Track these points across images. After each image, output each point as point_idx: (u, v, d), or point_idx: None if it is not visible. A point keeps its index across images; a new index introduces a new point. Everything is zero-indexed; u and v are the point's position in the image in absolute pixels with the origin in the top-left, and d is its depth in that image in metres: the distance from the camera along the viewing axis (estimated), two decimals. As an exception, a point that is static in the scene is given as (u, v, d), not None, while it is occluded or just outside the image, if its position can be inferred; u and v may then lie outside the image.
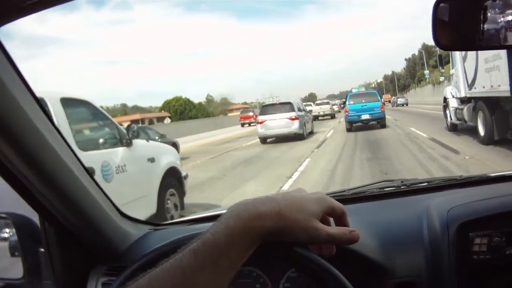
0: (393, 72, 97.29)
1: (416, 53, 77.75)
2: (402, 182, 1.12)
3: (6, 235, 0.95)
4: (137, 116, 53.14)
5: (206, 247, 0.49)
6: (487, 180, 1.06)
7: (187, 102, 62.63)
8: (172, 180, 4.63)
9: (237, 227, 0.50)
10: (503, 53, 6.37)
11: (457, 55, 9.36)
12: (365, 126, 16.54)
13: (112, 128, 3.92)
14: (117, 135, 3.87)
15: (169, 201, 4.53)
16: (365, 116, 15.96)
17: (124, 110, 72.10)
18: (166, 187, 4.44)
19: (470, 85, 8.44)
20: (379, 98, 16.72)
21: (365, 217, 0.88)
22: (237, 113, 54.75)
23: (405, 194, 1.05)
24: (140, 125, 17.56)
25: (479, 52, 7.29)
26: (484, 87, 7.56)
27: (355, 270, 0.71)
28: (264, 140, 15.44)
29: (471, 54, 8.14)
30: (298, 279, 0.80)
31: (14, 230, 0.91)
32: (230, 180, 7.59)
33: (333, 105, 33.38)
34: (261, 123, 15.11)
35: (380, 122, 16.24)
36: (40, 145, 0.71)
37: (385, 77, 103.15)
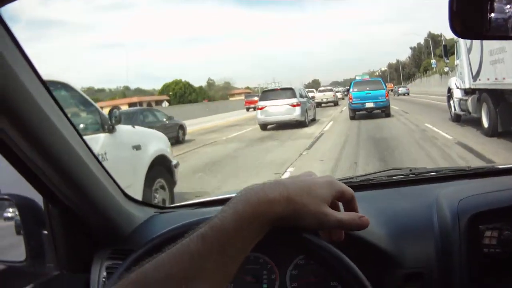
0: (397, 61, 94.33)
1: (422, 42, 76.86)
2: (410, 170, 1.12)
3: (9, 215, 0.95)
4: (135, 99, 50.80)
5: (214, 232, 0.48)
6: (495, 172, 1.06)
7: (187, 85, 61.42)
8: (161, 169, 4.35)
9: (245, 212, 0.50)
10: (508, 46, 6.57)
11: (462, 46, 9.47)
12: (369, 114, 15.93)
13: (93, 113, 3.71)
14: (99, 120, 3.65)
15: (157, 192, 4.25)
16: (369, 104, 15.59)
17: (123, 92, 70.38)
18: (153, 177, 4.17)
19: (475, 77, 8.64)
20: (384, 86, 16.41)
21: (374, 205, 0.87)
22: (239, 97, 54.70)
23: (413, 183, 1.04)
24: (144, 107, 17.43)
25: (484, 44, 7.74)
26: (488, 79, 7.77)
27: (364, 259, 0.69)
28: (264, 126, 14.94)
29: (476, 46, 8.36)
30: (306, 266, 0.80)
31: (17, 211, 0.91)
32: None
33: (337, 92, 32.92)
34: (261, 109, 14.68)
35: (384, 111, 15.84)
36: (46, 128, 0.71)
37: (390, 66, 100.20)
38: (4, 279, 1.02)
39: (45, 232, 0.90)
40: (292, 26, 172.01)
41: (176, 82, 61.55)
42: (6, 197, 0.94)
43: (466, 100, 9.45)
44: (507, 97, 7.32)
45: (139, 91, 75.99)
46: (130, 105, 45.95)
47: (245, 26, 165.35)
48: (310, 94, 24.92)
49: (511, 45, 6.42)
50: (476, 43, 8.20)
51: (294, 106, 14.16)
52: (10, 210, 0.95)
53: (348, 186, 0.58)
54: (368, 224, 0.57)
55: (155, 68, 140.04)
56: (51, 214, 0.87)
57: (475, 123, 8.91)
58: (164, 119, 12.64)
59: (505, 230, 0.74)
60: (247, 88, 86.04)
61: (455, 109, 10.59)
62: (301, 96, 15.36)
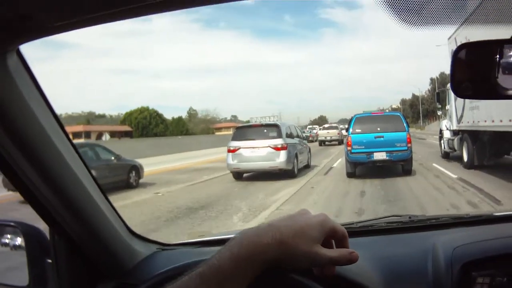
0: (413, 96, 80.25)
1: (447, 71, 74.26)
2: (410, 218, 1.30)
3: (15, 243, 1.07)
4: (80, 128, 49.09)
5: (211, 272, 0.60)
6: (493, 219, 1.24)
7: (154, 115, 56.81)
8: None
9: (240, 254, 0.62)
10: None
11: (451, 94, 10.72)
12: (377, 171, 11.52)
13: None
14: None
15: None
16: (380, 155, 10.93)
17: (87, 119, 67.26)
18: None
19: (459, 120, 11.75)
20: (404, 124, 11.30)
21: (372, 250, 1.01)
22: (227, 132, 49.79)
23: (412, 230, 1.20)
24: (83, 141, 16.33)
25: None
26: (468, 122, 10.78)
27: None
28: (237, 175, 12.30)
29: None
30: None
31: (22, 239, 1.04)
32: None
33: (342, 129, 32.85)
34: (233, 151, 11.95)
35: (404, 166, 11.15)
36: (55, 160, 0.83)
37: (403, 102, 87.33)
38: None
39: (49, 260, 1.02)
40: (301, 61, 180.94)
41: (141, 111, 56.67)
42: (12, 224, 1.07)
43: (453, 140, 12.63)
44: (481, 137, 10.31)
45: (101, 119, 72.57)
46: (74, 135, 44.00)
47: (256, 60, 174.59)
48: (314, 131, 23.90)
49: None
50: None
51: (277, 149, 11.61)
52: (15, 237, 1.07)
53: (348, 232, 0.71)
54: (357, 259, 0.68)
55: (166, 100, 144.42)
56: (56, 244, 0.99)
57: (459, 159, 12.01)
58: (112, 158, 11.42)
59: (497, 276, 0.87)
60: (233, 120, 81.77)
61: (444, 147, 13.92)
62: (290, 135, 12.74)
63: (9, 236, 1.09)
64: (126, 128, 54.88)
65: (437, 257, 0.94)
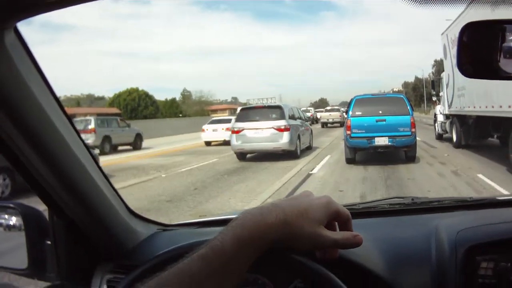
0: (416, 78, 78.70)
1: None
2: (412, 199, 1.30)
3: (13, 223, 1.07)
4: (80, 110, 47.30)
5: (214, 253, 0.59)
6: (496, 203, 1.24)
7: (144, 96, 53.35)
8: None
9: (243, 235, 0.61)
10: (467, 85, 10.91)
11: (444, 82, 14.47)
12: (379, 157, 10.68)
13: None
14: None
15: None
16: (382, 140, 10.24)
17: (78, 102, 64.84)
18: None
19: (449, 105, 13.52)
20: (408, 107, 10.48)
21: (374, 232, 1.00)
22: (223, 114, 47.71)
23: (415, 212, 1.20)
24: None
25: (454, 81, 12.52)
26: (456, 107, 12.57)
27: (361, 285, 0.83)
28: (241, 155, 12.64)
29: (450, 83, 13.19)
30: None
31: (21, 220, 1.02)
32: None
33: (343, 112, 34.12)
34: (237, 132, 12.37)
35: (408, 152, 10.43)
36: (55, 140, 0.82)
37: (406, 85, 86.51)
38: (5, 286, 1.13)
39: (48, 242, 1.01)
40: (302, 43, 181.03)
41: (130, 92, 53.31)
42: (11, 205, 1.06)
43: (445, 123, 14.64)
44: (467, 121, 12.00)
45: (101, 101, 69.36)
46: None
47: (256, 42, 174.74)
48: (307, 114, 24.93)
49: (469, 84, 10.46)
50: (450, 81, 13.08)
51: (281, 130, 11.99)
52: (14, 218, 1.06)
53: (351, 212, 0.71)
54: (361, 242, 0.68)
55: (164, 81, 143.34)
56: (55, 225, 1.00)
57: (450, 139, 13.93)
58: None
59: (501, 261, 0.87)
60: (232, 102, 78.32)
61: (438, 130, 16.12)
62: (292, 117, 12.96)
63: (7, 217, 1.07)
64: (114, 110, 50.20)
65: (440, 240, 0.94)
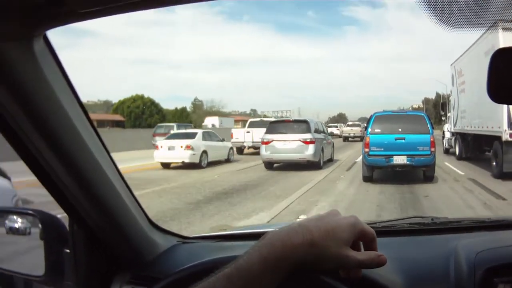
0: (437, 95, 62.13)
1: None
2: (432, 219, 1.31)
3: (33, 232, 1.06)
4: None
5: (239, 274, 0.61)
6: None
7: (149, 104, 50.04)
8: None
9: (270, 256, 0.62)
10: (467, 109, 13.86)
11: (451, 104, 17.17)
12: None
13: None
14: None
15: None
16: (400, 159, 10.13)
17: (106, 107, 58.61)
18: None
19: (454, 125, 16.15)
20: (428, 126, 10.18)
21: (393, 251, 0.98)
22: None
23: (434, 232, 1.21)
24: None
25: (459, 104, 15.39)
26: (459, 126, 15.08)
27: None
28: (269, 165, 13.53)
29: (456, 106, 15.94)
30: None
31: (41, 227, 1.00)
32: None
33: (363, 127, 36.64)
34: (266, 143, 13.50)
35: (426, 172, 10.13)
36: (78, 146, 0.82)
37: (426, 101, 79.02)
38: None
39: (67, 250, 0.99)
40: (322, 56, 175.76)
41: (134, 99, 50.16)
42: (30, 212, 1.04)
43: (451, 139, 17.27)
44: (467, 138, 14.28)
45: (108, 106, 61.73)
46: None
47: (274, 53, 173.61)
48: (333, 129, 26.48)
49: (469, 108, 13.52)
50: (456, 104, 16.14)
51: (307, 143, 13.16)
52: (33, 225, 1.07)
53: None
54: (385, 262, 0.69)
55: (184, 90, 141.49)
56: (75, 234, 0.98)
57: (454, 153, 16.46)
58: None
59: None
60: (253, 114, 70.35)
61: (445, 145, 18.73)
62: (317, 131, 14.03)
63: (27, 224, 1.07)
64: (118, 117, 49.26)
65: (459, 261, 0.97)
